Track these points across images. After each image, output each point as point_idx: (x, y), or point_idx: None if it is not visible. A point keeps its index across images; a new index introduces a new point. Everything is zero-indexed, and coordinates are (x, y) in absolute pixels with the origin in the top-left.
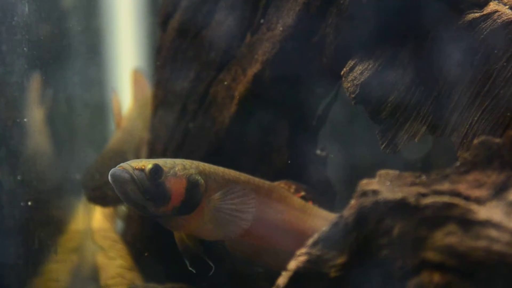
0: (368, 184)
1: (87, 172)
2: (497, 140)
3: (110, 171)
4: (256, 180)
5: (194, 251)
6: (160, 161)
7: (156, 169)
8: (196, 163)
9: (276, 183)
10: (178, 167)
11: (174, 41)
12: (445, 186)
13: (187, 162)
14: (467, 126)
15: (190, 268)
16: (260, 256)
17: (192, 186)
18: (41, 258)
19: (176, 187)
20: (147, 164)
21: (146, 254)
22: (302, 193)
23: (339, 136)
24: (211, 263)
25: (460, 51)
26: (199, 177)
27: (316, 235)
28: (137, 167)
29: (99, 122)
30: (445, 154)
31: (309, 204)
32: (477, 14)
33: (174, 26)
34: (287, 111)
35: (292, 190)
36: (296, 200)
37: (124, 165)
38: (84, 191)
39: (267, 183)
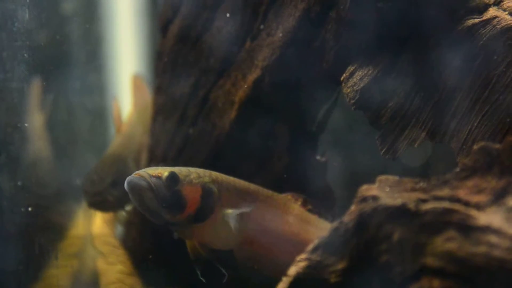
0: (368, 189)
1: (87, 178)
2: (497, 145)
3: (127, 179)
4: (265, 190)
5: (206, 259)
6: (175, 169)
7: (173, 176)
8: (208, 172)
9: (283, 195)
10: (193, 175)
11: (174, 47)
12: (445, 191)
13: (200, 171)
14: (466, 132)
15: (201, 278)
16: (268, 266)
17: (206, 194)
18: (41, 264)
19: (191, 195)
20: (164, 171)
21: (150, 257)
22: (309, 207)
23: (339, 141)
24: (224, 271)
25: (460, 57)
26: (213, 186)
27: (316, 240)
28: (154, 174)
29: (99, 127)
30: (445, 159)
31: (316, 217)
32: (476, 20)
33: (174, 32)
34: (287, 117)
35: (299, 202)
36: (304, 212)
37: (140, 172)
38: (84, 196)
39: (275, 194)
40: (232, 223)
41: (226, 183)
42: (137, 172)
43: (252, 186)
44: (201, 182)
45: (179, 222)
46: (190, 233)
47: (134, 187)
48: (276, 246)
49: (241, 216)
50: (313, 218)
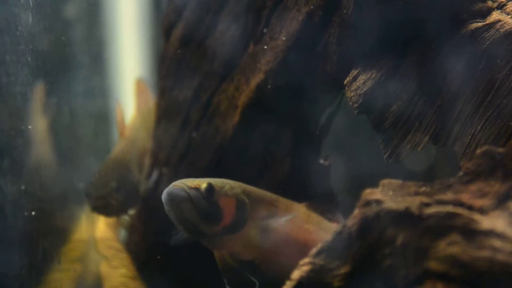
0: (371, 193)
1: (91, 182)
2: (500, 149)
3: (166, 190)
4: (285, 200)
5: (235, 270)
6: (211, 181)
7: (211, 188)
8: (238, 183)
9: (301, 204)
10: (227, 187)
11: (177, 51)
12: (448, 195)
13: (231, 182)
14: (470, 136)
15: (227, 287)
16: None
17: (240, 205)
18: (44, 268)
19: (228, 206)
20: (201, 183)
21: (153, 260)
22: (328, 215)
23: (342, 145)
24: (255, 280)
25: (463, 61)
26: (245, 197)
27: (319, 244)
28: (192, 186)
29: (102, 131)
30: (449, 163)
31: (335, 225)
32: (479, 24)
33: (177, 36)
34: (290, 121)
35: (317, 211)
36: (323, 221)
37: (178, 184)
38: (88, 200)
39: (295, 203)
40: (265, 234)
41: (254, 194)
42: (174, 183)
43: (274, 196)
44: (235, 193)
45: (214, 233)
46: (222, 244)
47: (174, 198)
48: (299, 256)
49: (267, 227)
50: (333, 226)
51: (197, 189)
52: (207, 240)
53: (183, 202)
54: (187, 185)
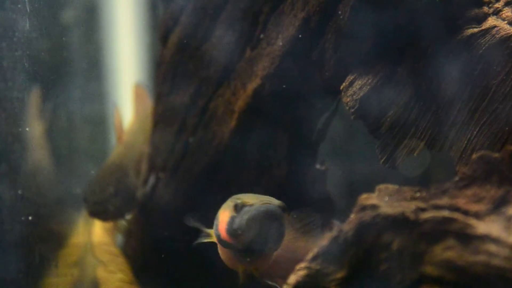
0: (367, 198)
1: (88, 187)
2: (496, 154)
3: (270, 208)
4: None
5: (253, 282)
6: (259, 197)
7: (285, 206)
8: None
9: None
10: None
11: (174, 56)
12: (444, 200)
13: None
14: (465, 141)
15: None
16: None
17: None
18: (41, 273)
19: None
20: (274, 201)
21: (150, 266)
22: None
23: (339, 150)
24: (278, 287)
25: (459, 66)
26: None
27: (315, 249)
28: (279, 204)
29: (100, 136)
30: (445, 168)
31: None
32: (475, 29)
33: (174, 41)
34: (286, 126)
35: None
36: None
37: (265, 201)
38: (85, 205)
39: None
40: (291, 249)
41: None
42: (264, 202)
43: None
44: None
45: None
46: (259, 259)
47: (277, 216)
48: (285, 264)
49: (291, 242)
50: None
51: (281, 207)
52: (246, 257)
53: (281, 220)
54: (275, 204)
